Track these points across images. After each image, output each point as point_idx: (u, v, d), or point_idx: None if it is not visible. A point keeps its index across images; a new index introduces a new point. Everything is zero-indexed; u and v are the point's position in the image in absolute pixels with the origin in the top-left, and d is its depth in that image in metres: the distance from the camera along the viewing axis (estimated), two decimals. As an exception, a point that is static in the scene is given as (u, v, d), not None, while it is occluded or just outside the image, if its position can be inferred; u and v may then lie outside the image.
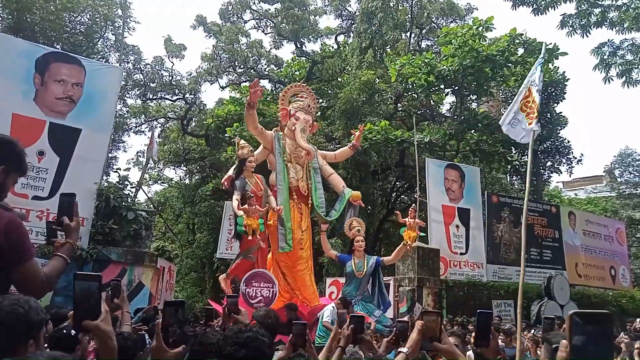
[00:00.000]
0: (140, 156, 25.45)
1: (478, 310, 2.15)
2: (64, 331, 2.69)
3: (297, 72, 23.17)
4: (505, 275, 14.92)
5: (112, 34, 19.76)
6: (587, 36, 12.55)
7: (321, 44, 25.54)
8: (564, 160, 19.32)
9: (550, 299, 13.05)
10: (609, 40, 12.92)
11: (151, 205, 22.17)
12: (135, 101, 23.99)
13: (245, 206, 7.44)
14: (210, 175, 22.47)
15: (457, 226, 14.41)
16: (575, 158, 19.34)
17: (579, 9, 12.56)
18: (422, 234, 10.07)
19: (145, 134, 24.68)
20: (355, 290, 7.76)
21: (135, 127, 24.20)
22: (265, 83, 24.27)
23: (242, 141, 8.67)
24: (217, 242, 15.82)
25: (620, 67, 12.54)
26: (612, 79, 12.66)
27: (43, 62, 10.07)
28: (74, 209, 2.32)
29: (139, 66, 22.34)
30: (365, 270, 7.80)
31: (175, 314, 1.88)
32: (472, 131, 17.44)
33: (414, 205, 8.78)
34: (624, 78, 12.47)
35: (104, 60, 18.34)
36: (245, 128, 16.54)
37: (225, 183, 8.11)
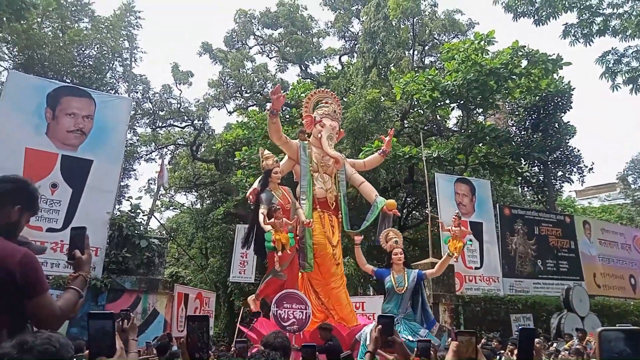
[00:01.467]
0: (151, 183, 25.75)
1: (521, 327, 2.11)
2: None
3: (303, 94, 23.44)
4: (522, 289, 14.68)
5: (120, 65, 20.17)
6: (590, 45, 12.59)
7: (325, 65, 25.86)
8: (574, 170, 19.13)
9: (570, 311, 12.79)
10: (612, 48, 12.93)
11: (164, 232, 22.27)
12: (145, 129, 24.37)
13: (273, 220, 6.80)
14: (221, 200, 22.60)
15: (471, 240, 14.26)
16: (587, 167, 19.15)
17: (581, 18, 12.62)
18: (469, 242, 9.56)
19: (155, 162, 24.94)
20: (396, 308, 7.08)
21: (146, 154, 24.49)
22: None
23: (267, 151, 8.09)
24: (230, 266, 15.79)
25: (626, 74, 12.51)
26: (619, 87, 12.63)
27: (54, 96, 10.32)
28: (85, 242, 2.37)
29: (147, 95, 22.74)
30: (406, 285, 7.16)
31: (200, 330, 1.87)
32: (480, 144, 17.41)
33: (457, 212, 8.04)
34: (631, 85, 12.44)
35: (113, 91, 18.68)
36: (254, 151, 16.74)
37: (251, 197, 7.50)
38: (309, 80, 25.44)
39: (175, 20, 76.50)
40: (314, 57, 25.63)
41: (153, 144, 24.87)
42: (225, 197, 21.79)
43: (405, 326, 6.88)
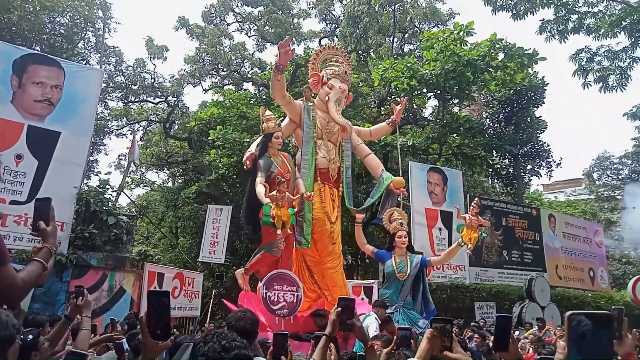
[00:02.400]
0: (121, 159, 25.13)
1: (497, 315, 2.08)
2: (29, 336, 2.63)
3: (281, 76, 23.20)
4: (487, 278, 15.07)
5: (93, 36, 19.48)
6: (565, 42, 12.86)
7: (305, 47, 25.57)
8: (543, 164, 19.62)
9: (531, 300, 13.23)
10: (586, 46, 13.23)
11: (134, 209, 21.89)
12: (117, 103, 23.68)
13: (274, 193, 6.09)
14: (193, 179, 22.28)
15: (440, 229, 14.51)
16: (555, 161, 19.67)
17: (557, 15, 12.84)
18: (484, 234, 9.02)
19: (127, 137, 24.39)
20: (395, 295, 6.62)
21: (117, 129, 23.86)
22: (248, 86, 24.22)
23: (268, 112, 7.24)
24: (200, 246, 15.65)
25: (597, 73, 12.84)
26: (590, 85, 12.96)
27: (21, 63, 9.91)
28: (50, 214, 2.29)
29: (120, 68, 22.05)
30: (408, 271, 6.65)
31: (160, 305, 1.80)
32: (454, 135, 17.63)
33: (477, 199, 7.42)
34: (601, 84, 12.78)
35: (84, 62, 18.05)
36: (228, 131, 16.51)
37: (247, 162, 6.78)
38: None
39: (152, -7, 74.22)
40: (293, 39, 25.28)
41: (125, 118, 24.24)
42: (198, 177, 21.48)
43: (404, 315, 6.48)
